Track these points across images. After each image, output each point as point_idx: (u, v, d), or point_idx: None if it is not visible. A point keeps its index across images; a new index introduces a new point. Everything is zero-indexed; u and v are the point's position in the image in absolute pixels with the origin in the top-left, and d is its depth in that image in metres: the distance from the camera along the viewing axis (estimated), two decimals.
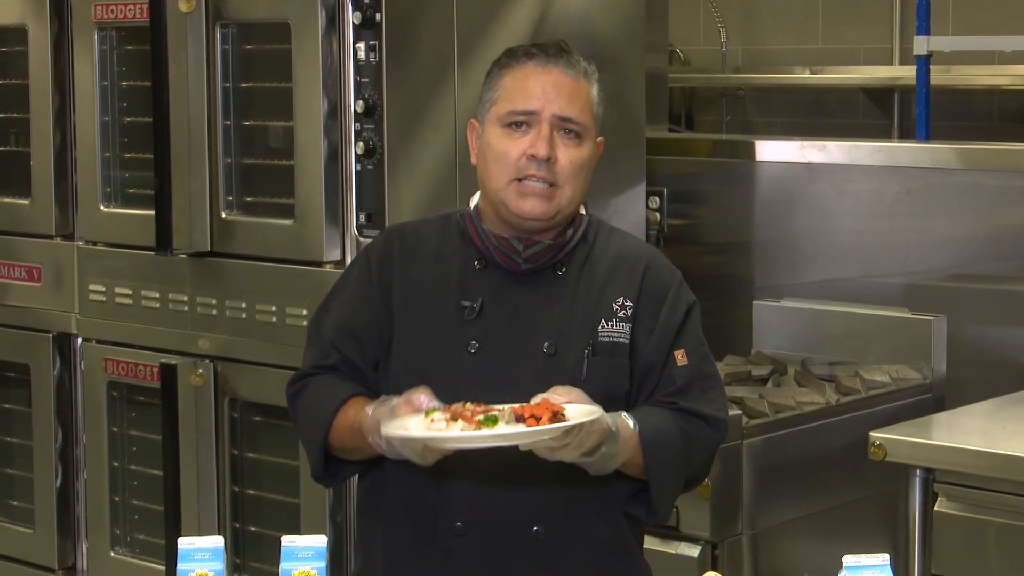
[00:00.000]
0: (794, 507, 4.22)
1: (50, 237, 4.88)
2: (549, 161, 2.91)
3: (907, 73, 6.66)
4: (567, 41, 3.07)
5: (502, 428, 2.69)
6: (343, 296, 3.10)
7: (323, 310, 3.13)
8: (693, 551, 3.95)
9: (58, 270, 4.88)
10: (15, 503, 5.12)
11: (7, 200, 5.02)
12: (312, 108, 4.18)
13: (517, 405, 2.73)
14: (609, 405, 2.89)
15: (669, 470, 2.94)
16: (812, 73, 7.39)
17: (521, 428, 2.69)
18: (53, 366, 4.90)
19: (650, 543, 3.95)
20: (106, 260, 4.74)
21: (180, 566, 2.42)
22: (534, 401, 2.75)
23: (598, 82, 3.03)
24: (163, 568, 4.60)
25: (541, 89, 2.94)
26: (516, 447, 2.74)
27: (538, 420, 2.69)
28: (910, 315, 4.69)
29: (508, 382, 2.90)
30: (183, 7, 4.34)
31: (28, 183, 4.91)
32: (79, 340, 4.86)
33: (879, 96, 7.21)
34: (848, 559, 2.43)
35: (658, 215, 5.16)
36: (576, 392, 2.80)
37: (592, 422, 2.76)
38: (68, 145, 4.83)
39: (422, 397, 2.81)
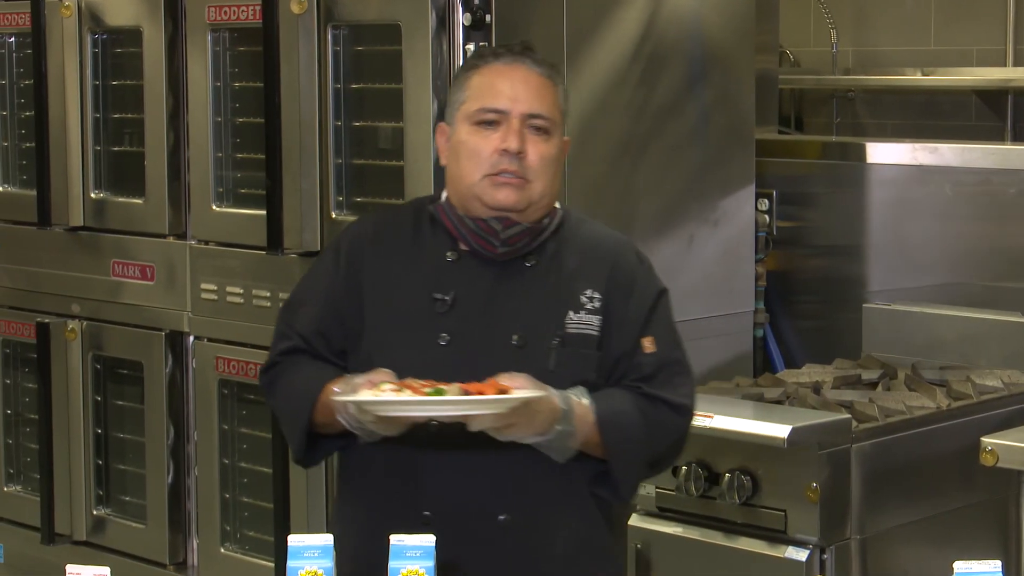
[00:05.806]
0: (904, 512, 4.18)
1: (163, 236, 4.93)
2: (520, 155, 2.97)
3: (1021, 75, 6.59)
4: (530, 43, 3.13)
5: (445, 397, 2.76)
6: (313, 286, 3.16)
7: (293, 301, 3.19)
8: (801, 555, 3.93)
9: (171, 269, 4.93)
10: (128, 499, 5.18)
11: (121, 199, 5.08)
12: (422, 109, 4.19)
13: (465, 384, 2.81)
14: None
15: (628, 449, 2.99)
16: (924, 75, 7.31)
17: (463, 397, 2.75)
18: (165, 364, 4.95)
19: (758, 547, 3.95)
20: (218, 259, 4.79)
21: (290, 563, 2.44)
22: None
23: (562, 83, 3.09)
24: (272, 565, 4.64)
25: (510, 86, 3.01)
26: (465, 426, 2.81)
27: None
28: (1023, 319, 4.64)
29: (479, 374, 2.93)
30: (295, 8, 4.38)
31: (142, 183, 4.96)
32: (191, 338, 4.91)
33: (992, 98, 7.12)
34: (959, 565, 2.40)
35: (767, 217, 5.13)
36: (523, 378, 2.85)
37: (538, 400, 2.83)
38: (181, 145, 4.88)
39: (382, 376, 2.86)
